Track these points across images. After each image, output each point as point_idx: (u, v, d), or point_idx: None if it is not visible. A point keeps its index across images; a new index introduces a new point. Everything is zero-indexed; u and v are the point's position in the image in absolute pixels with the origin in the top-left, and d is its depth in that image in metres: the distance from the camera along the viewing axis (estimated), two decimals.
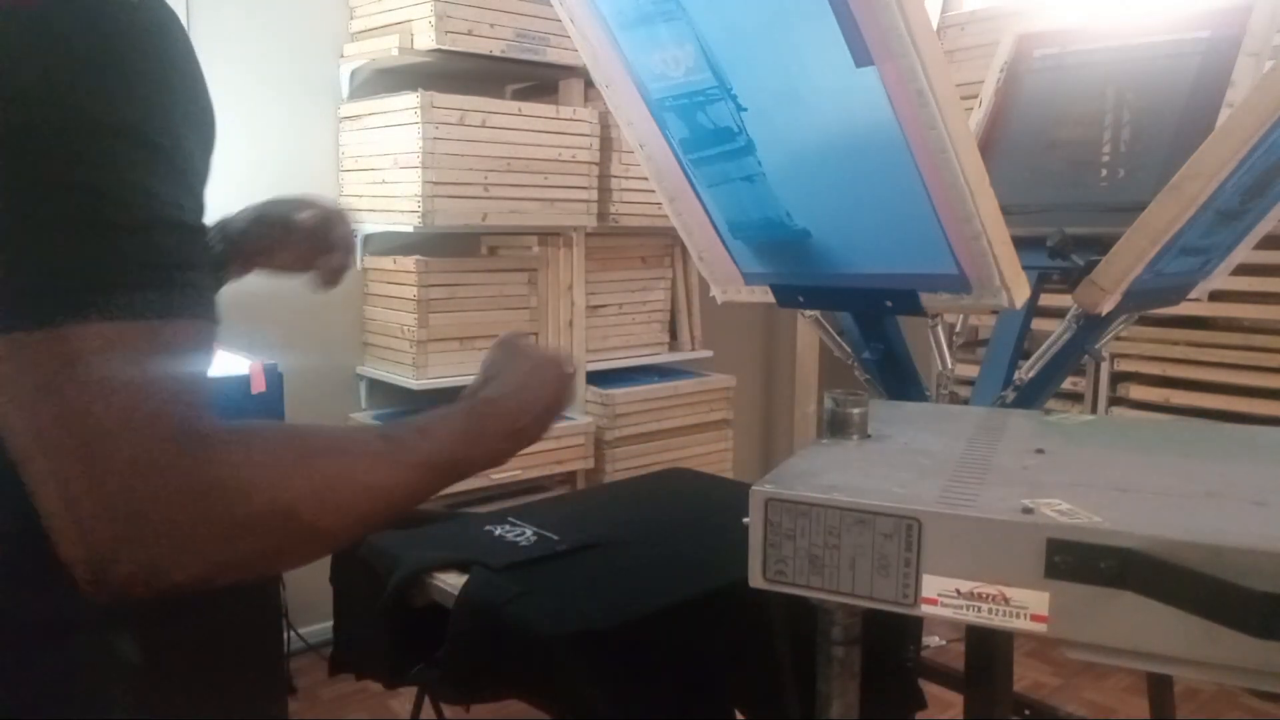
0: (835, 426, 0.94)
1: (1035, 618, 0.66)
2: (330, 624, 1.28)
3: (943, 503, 0.72)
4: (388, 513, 0.61)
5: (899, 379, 1.67)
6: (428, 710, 1.46)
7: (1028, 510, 0.69)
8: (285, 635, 1.88)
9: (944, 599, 0.70)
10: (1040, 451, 0.86)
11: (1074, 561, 0.65)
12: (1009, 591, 0.67)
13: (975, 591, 0.69)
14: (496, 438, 0.72)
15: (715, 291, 1.56)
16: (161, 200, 0.53)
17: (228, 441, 0.53)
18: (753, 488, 0.76)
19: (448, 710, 1.49)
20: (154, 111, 0.53)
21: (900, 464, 0.83)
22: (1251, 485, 0.74)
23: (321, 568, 1.26)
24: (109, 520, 0.49)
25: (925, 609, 0.71)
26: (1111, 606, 0.64)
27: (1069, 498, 0.72)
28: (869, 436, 0.94)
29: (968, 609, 0.69)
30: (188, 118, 0.56)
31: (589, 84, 2.51)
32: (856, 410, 0.93)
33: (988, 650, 1.19)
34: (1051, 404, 2.02)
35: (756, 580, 0.76)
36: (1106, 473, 0.79)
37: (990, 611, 0.68)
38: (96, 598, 0.51)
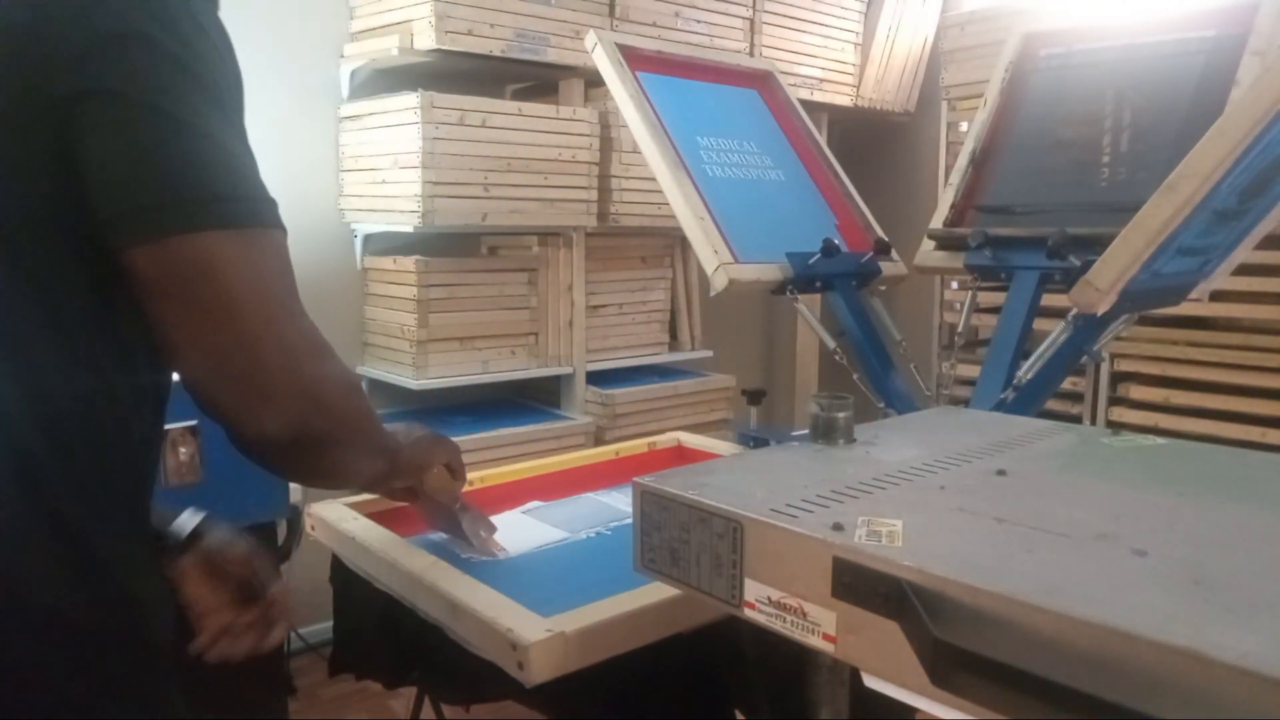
0: (819, 430, 0.94)
1: (826, 636, 0.66)
2: (330, 624, 1.28)
3: (769, 511, 0.72)
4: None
5: (879, 360, 1.70)
6: (428, 710, 1.47)
7: (838, 528, 0.67)
8: (285, 635, 1.88)
9: (759, 605, 0.71)
10: (1002, 473, 0.83)
11: (856, 584, 0.64)
12: (807, 606, 0.67)
13: (782, 601, 0.69)
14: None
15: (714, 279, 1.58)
16: None
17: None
18: (634, 479, 0.80)
19: (448, 710, 1.49)
20: None
21: (821, 473, 0.83)
22: (1179, 534, 0.68)
23: (321, 567, 1.26)
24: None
25: (747, 612, 0.71)
26: (891, 635, 0.61)
27: (934, 521, 0.70)
28: (854, 441, 0.94)
29: (777, 618, 0.69)
30: None
31: (589, 84, 2.52)
32: (841, 415, 0.93)
33: None
34: (1052, 404, 2.03)
35: (637, 566, 0.81)
36: (1023, 502, 0.75)
37: (793, 624, 0.68)
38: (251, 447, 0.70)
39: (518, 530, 1.25)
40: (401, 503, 1.19)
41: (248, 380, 0.67)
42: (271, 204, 0.68)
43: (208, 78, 0.66)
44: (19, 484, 0.66)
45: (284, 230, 0.69)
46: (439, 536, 1.23)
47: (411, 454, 1.05)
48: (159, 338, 0.67)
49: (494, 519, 1.28)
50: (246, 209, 0.66)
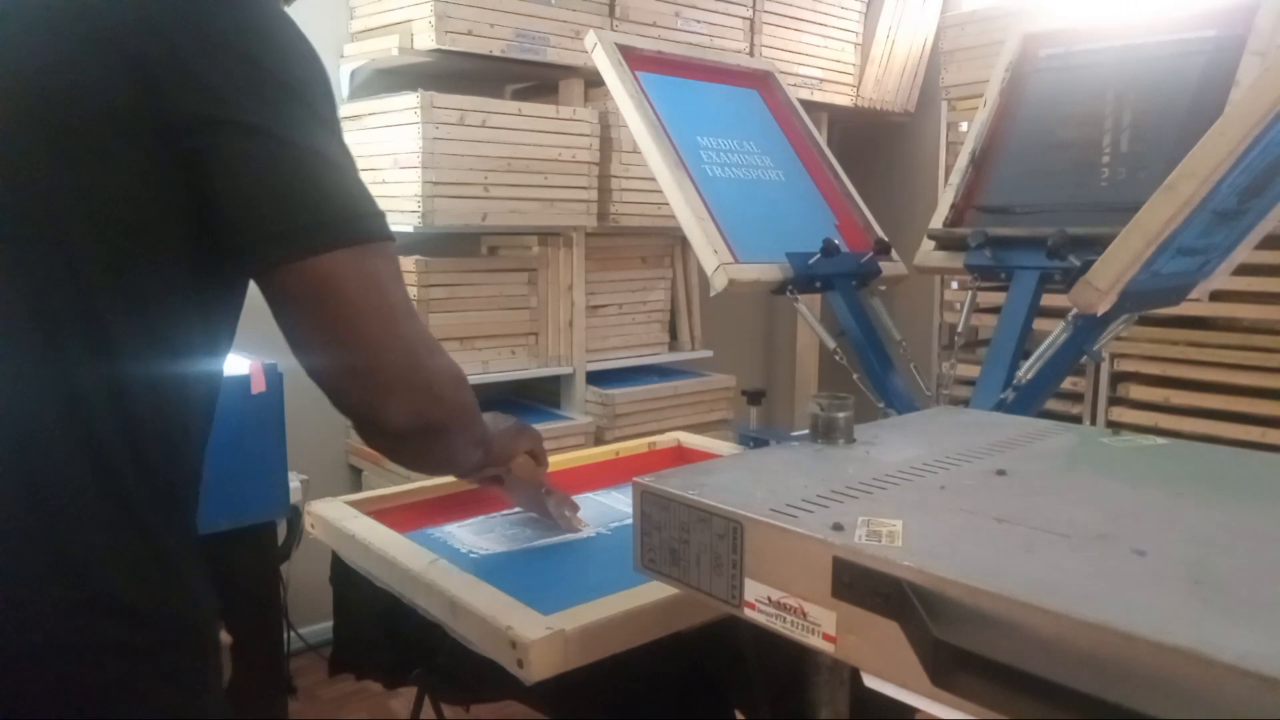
0: (819, 430, 0.94)
1: (826, 636, 0.66)
2: (330, 624, 1.28)
3: (769, 511, 0.72)
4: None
5: (879, 360, 1.71)
6: (428, 710, 1.46)
7: (838, 528, 0.67)
8: (285, 635, 1.88)
9: (759, 605, 0.71)
10: (1002, 473, 0.83)
11: (856, 584, 0.63)
12: (807, 606, 0.67)
13: (782, 601, 0.69)
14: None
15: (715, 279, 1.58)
16: None
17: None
18: (634, 479, 0.81)
19: (448, 710, 1.49)
20: None
21: (821, 473, 0.83)
22: (1179, 534, 0.68)
23: (322, 567, 1.26)
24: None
25: (747, 612, 0.72)
26: (891, 635, 0.61)
27: (934, 521, 0.70)
28: (854, 441, 0.94)
29: (777, 618, 0.69)
30: None
31: (589, 84, 2.52)
32: (841, 415, 0.93)
33: None
34: (1052, 404, 2.03)
35: (637, 566, 0.81)
36: (1023, 502, 0.75)
37: (793, 624, 0.68)
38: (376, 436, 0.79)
39: (518, 528, 1.25)
40: (489, 486, 1.26)
41: (376, 381, 0.75)
42: (382, 217, 0.75)
43: (311, 97, 0.73)
44: (95, 474, 0.70)
45: (394, 239, 0.76)
46: (439, 533, 1.23)
47: (501, 444, 1.13)
48: (291, 344, 0.75)
49: (494, 517, 1.29)
50: (366, 226, 0.73)
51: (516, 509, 1.33)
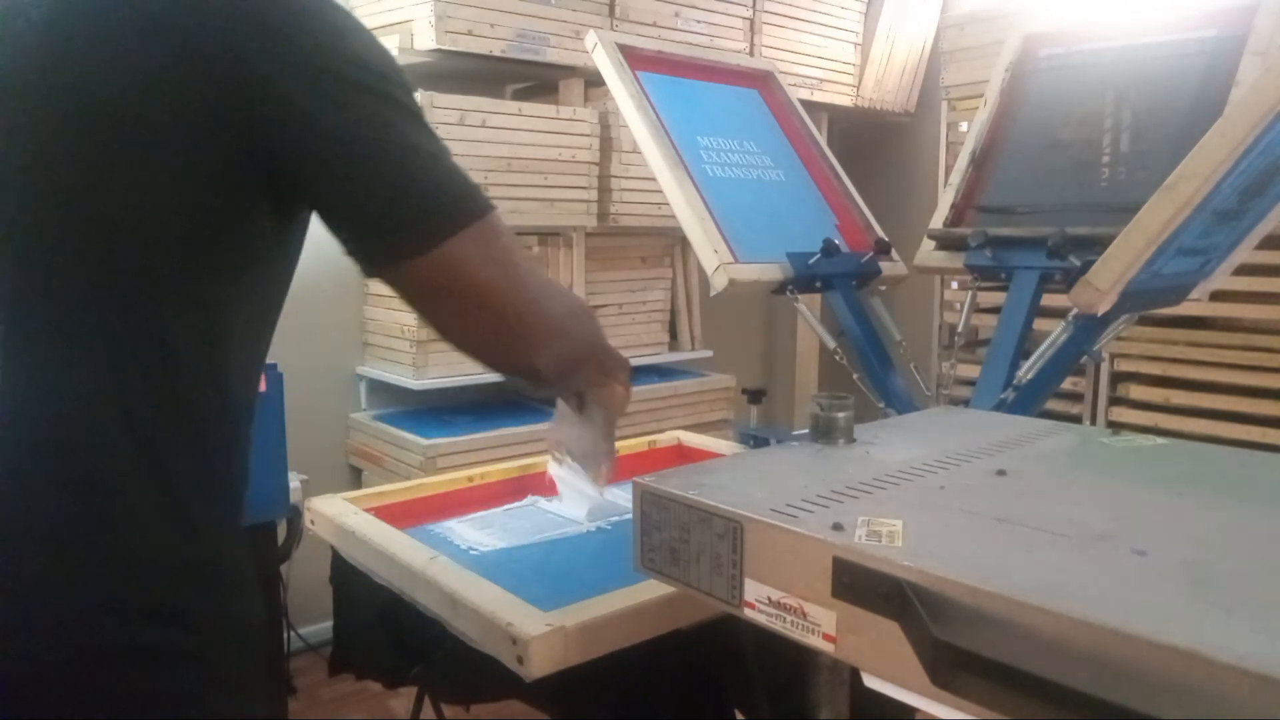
0: (819, 430, 0.94)
1: (826, 636, 0.66)
2: (330, 624, 1.28)
3: (769, 511, 0.72)
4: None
5: (879, 360, 1.71)
6: (428, 710, 1.46)
7: (838, 528, 0.67)
8: (285, 635, 1.88)
9: (759, 605, 0.71)
10: (1002, 473, 0.83)
11: (856, 584, 0.64)
12: (807, 606, 0.67)
13: (782, 601, 0.69)
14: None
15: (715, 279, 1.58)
16: None
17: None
18: (634, 479, 0.81)
19: (448, 710, 1.49)
20: None
21: (821, 473, 0.83)
22: (1179, 534, 0.68)
23: (321, 567, 1.26)
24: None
25: (747, 612, 0.72)
26: (891, 635, 0.62)
27: (934, 521, 0.70)
28: (854, 441, 0.94)
29: (777, 618, 0.69)
30: None
31: (589, 84, 2.52)
32: (841, 415, 0.93)
33: None
34: (1051, 404, 2.03)
35: (637, 566, 0.82)
36: (1023, 501, 0.75)
37: (793, 624, 0.68)
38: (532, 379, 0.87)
39: (517, 524, 1.25)
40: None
41: (524, 344, 0.81)
42: (479, 190, 0.77)
43: (388, 87, 0.73)
44: (152, 480, 0.70)
45: (495, 207, 0.77)
46: (439, 529, 1.23)
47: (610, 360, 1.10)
48: (437, 330, 0.78)
49: (494, 512, 1.28)
50: (470, 206, 0.74)
51: (515, 505, 1.33)
